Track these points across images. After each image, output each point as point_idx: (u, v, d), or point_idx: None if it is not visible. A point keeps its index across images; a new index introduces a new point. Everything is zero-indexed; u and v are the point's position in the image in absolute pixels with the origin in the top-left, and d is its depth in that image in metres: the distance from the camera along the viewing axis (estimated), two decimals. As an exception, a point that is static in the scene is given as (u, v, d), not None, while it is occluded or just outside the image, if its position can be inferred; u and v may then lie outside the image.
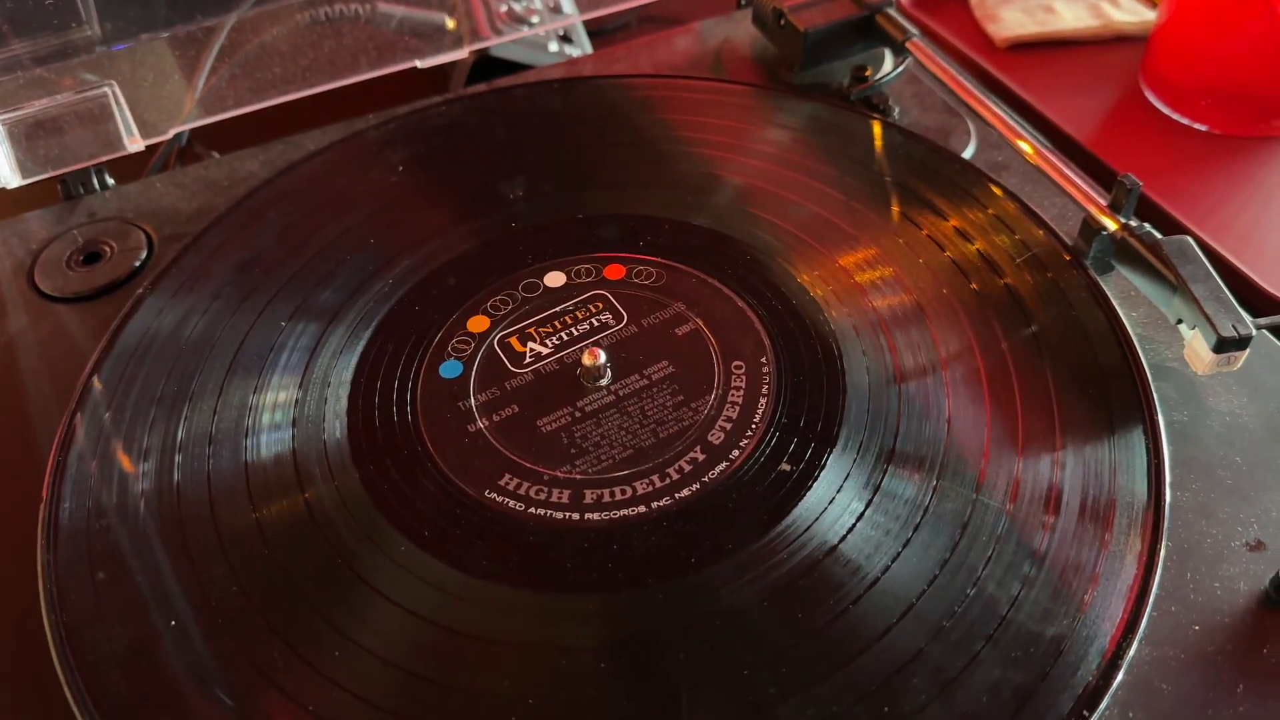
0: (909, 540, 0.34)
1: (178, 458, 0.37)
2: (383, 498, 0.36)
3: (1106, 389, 0.38)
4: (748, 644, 0.32)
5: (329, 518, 0.35)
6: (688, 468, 0.36)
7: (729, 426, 0.38)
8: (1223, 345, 0.36)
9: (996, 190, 0.45)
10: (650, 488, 0.36)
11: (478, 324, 0.42)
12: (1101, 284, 0.41)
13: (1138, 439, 0.37)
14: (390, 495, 0.36)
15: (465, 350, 0.41)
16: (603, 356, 0.39)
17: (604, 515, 0.35)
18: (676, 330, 0.41)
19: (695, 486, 0.36)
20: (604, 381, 0.39)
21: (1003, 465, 0.36)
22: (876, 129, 0.49)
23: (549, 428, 0.38)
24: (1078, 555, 0.34)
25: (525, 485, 0.36)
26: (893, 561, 0.33)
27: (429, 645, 0.32)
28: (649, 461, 0.37)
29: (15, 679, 0.33)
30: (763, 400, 0.38)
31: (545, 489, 0.36)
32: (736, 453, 0.37)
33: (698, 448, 0.37)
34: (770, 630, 0.32)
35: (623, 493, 0.36)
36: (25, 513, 0.36)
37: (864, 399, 0.38)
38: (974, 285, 0.41)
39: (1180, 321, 0.39)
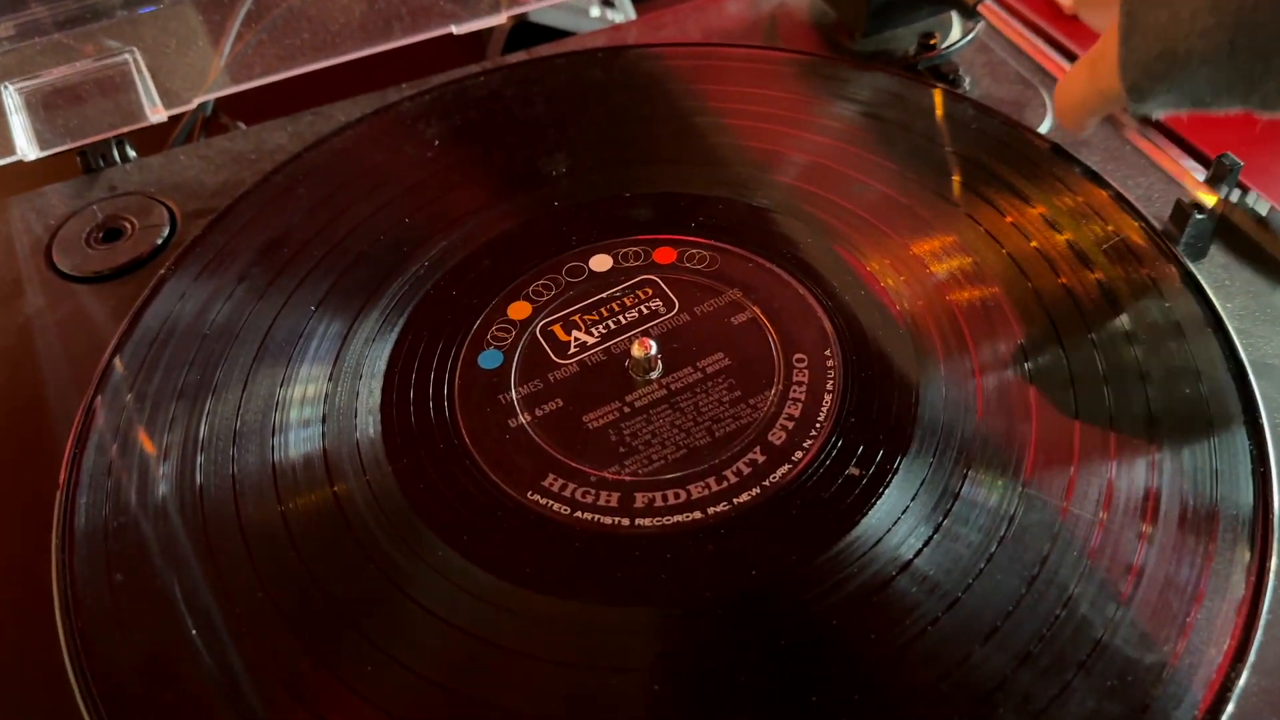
0: (992, 555, 0.31)
1: (200, 457, 0.34)
2: (419, 498, 0.33)
3: (1204, 388, 0.35)
4: (813, 668, 0.29)
5: (361, 519, 0.33)
6: (746, 470, 0.34)
7: (791, 425, 0.35)
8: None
9: (1078, 171, 0.42)
10: (706, 491, 0.33)
11: (519, 310, 0.39)
12: (1196, 273, 0.38)
13: (1240, 442, 0.34)
14: (427, 495, 0.33)
15: (505, 339, 0.38)
16: (654, 347, 0.36)
17: (656, 521, 0.32)
18: (732, 319, 0.38)
19: (755, 491, 0.33)
20: (654, 374, 0.37)
21: (1094, 471, 0.33)
22: (946, 101, 0.46)
23: (596, 424, 0.35)
24: (1178, 571, 0.31)
25: (571, 487, 0.34)
26: (974, 579, 0.30)
27: (467, 659, 0.30)
28: (704, 463, 0.34)
29: (25, 683, 0.31)
30: (828, 397, 0.35)
31: (593, 491, 0.33)
32: (800, 454, 0.34)
33: (757, 448, 0.34)
34: (838, 654, 0.30)
35: (676, 497, 0.33)
36: (40, 505, 0.34)
37: (940, 399, 0.35)
38: (1061, 279, 0.38)
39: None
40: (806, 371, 0.36)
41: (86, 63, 0.48)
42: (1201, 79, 0.33)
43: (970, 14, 0.47)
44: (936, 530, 0.31)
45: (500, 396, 0.36)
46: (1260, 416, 0.34)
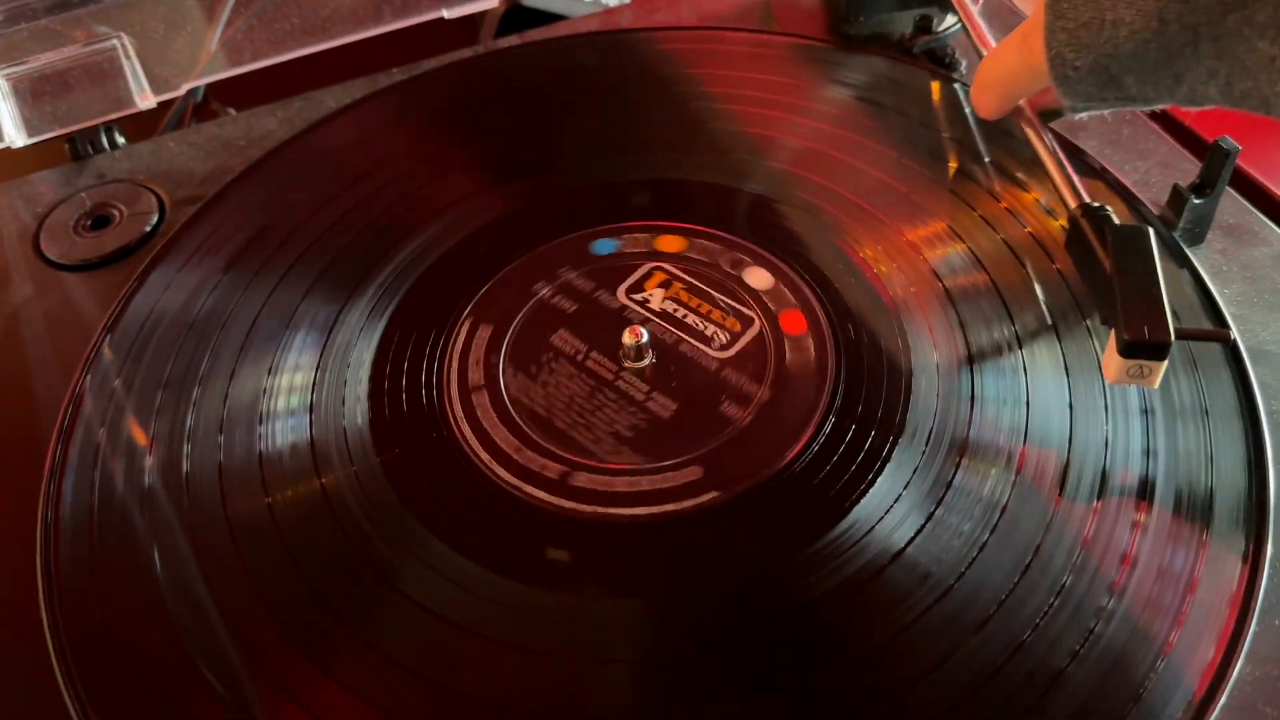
0: (984, 544, 0.31)
1: (186, 447, 0.34)
2: (406, 488, 0.33)
3: (1200, 375, 0.35)
4: (805, 658, 0.29)
5: (347, 509, 0.33)
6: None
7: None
8: (1129, 349, 0.31)
9: (1073, 157, 0.41)
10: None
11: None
12: (1193, 258, 0.38)
13: (1236, 429, 0.33)
14: (414, 486, 0.33)
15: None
16: (644, 335, 0.36)
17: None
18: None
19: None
20: (646, 362, 0.36)
21: (1089, 458, 0.32)
22: (940, 87, 0.45)
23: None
24: (1173, 559, 0.31)
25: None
26: (966, 568, 0.30)
27: (452, 649, 0.30)
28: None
29: (9, 670, 0.31)
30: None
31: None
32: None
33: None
34: (830, 643, 0.29)
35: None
36: (25, 493, 0.34)
37: (932, 386, 0.34)
38: (1056, 264, 0.37)
39: (1105, 322, 0.34)
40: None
41: (75, 48, 0.48)
42: (1128, 55, 0.32)
43: (946, 5, 0.47)
44: (929, 519, 0.31)
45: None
46: (1256, 402, 0.34)
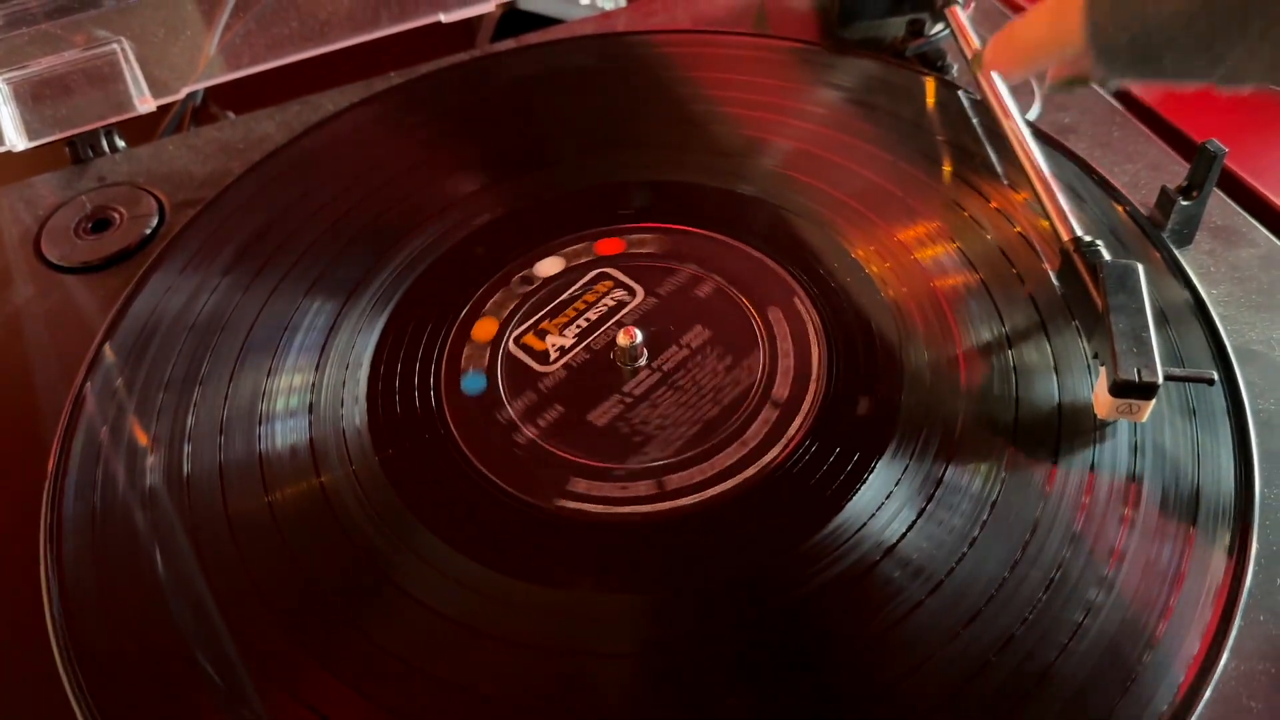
0: (975, 540, 0.31)
1: (187, 447, 0.35)
2: (405, 487, 0.34)
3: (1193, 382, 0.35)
4: (800, 650, 0.29)
5: (346, 508, 0.33)
6: (731, 456, 0.34)
7: (790, 376, 0.35)
8: (1119, 389, 0.32)
9: (1065, 159, 0.42)
10: (733, 458, 0.34)
11: (484, 330, 0.38)
12: (1180, 259, 0.38)
13: (1223, 428, 0.34)
14: (414, 485, 0.34)
15: (482, 361, 0.38)
16: (638, 335, 0.36)
17: (694, 499, 0.33)
18: (697, 292, 0.38)
19: (744, 480, 0.33)
20: (643, 361, 0.37)
21: (1077, 456, 0.33)
22: (930, 88, 0.46)
23: (603, 420, 0.35)
24: (1160, 555, 0.31)
25: (599, 485, 0.34)
26: (957, 563, 0.31)
27: (451, 645, 0.30)
28: (689, 449, 0.34)
29: (13, 671, 0.32)
30: (811, 385, 0.35)
31: (623, 485, 0.33)
32: (785, 439, 0.34)
33: (767, 405, 0.35)
34: (824, 636, 0.30)
35: (703, 473, 0.33)
36: (29, 494, 0.35)
37: (925, 383, 0.35)
38: (1044, 264, 0.38)
39: (1096, 356, 0.35)
40: (785, 324, 0.37)
41: (75, 53, 0.48)
42: (1171, 28, 0.31)
43: (938, 15, 0.47)
44: (920, 514, 0.32)
45: (497, 415, 0.36)
46: (1243, 402, 0.34)
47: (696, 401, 0.35)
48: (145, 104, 0.49)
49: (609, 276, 0.40)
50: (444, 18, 0.53)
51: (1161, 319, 0.36)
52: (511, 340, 0.38)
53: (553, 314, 0.39)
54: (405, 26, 0.52)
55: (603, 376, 0.36)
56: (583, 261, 0.40)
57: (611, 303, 0.39)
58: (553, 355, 0.37)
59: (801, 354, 0.36)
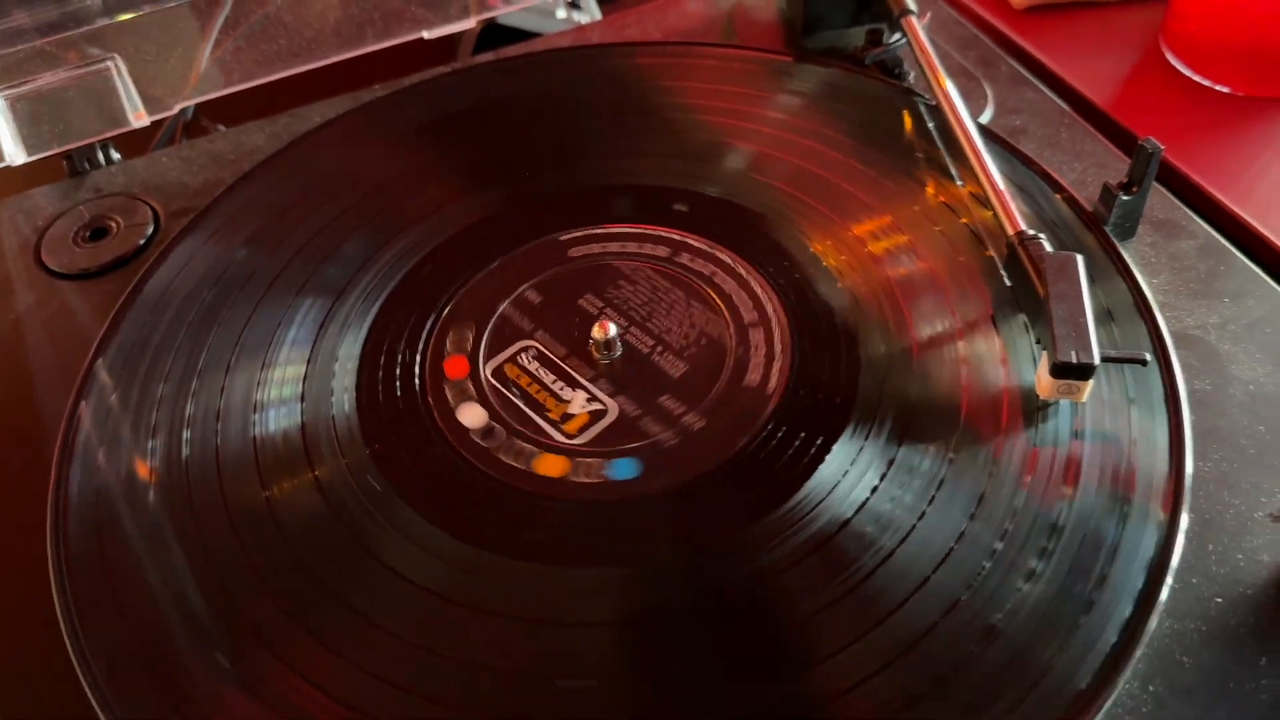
0: (923, 514, 0.33)
1: (186, 433, 0.37)
2: (393, 472, 0.36)
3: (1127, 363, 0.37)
4: (761, 620, 0.32)
5: (338, 494, 0.35)
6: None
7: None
8: (1059, 370, 0.34)
9: (1014, 158, 0.44)
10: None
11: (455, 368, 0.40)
12: (1122, 250, 0.40)
13: (1159, 408, 0.36)
14: (400, 469, 0.36)
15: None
16: (612, 329, 0.38)
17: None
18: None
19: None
20: (615, 354, 0.39)
21: (1020, 436, 0.35)
22: (889, 94, 0.48)
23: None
24: (1097, 528, 0.33)
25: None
26: (906, 536, 0.33)
27: (439, 619, 0.32)
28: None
29: (27, 662, 0.33)
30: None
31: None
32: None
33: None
34: (783, 607, 0.32)
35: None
36: (34, 493, 0.36)
37: (879, 370, 0.37)
38: (988, 252, 0.40)
39: (1038, 341, 0.37)
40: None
41: (70, 69, 0.50)
42: None
43: (895, 26, 0.49)
44: (873, 492, 0.34)
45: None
46: (1177, 383, 0.36)
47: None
48: (139, 119, 0.51)
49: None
50: (427, 34, 0.55)
51: (1104, 307, 0.38)
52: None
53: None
54: (390, 43, 0.55)
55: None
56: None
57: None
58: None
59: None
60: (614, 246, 0.43)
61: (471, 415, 0.37)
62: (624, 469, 0.35)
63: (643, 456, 0.36)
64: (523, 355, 0.39)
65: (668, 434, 0.36)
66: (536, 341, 0.40)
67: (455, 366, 0.39)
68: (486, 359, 0.39)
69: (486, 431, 0.37)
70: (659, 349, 0.39)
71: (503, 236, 0.43)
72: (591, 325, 0.39)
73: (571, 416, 0.37)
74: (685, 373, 0.38)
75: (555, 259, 0.42)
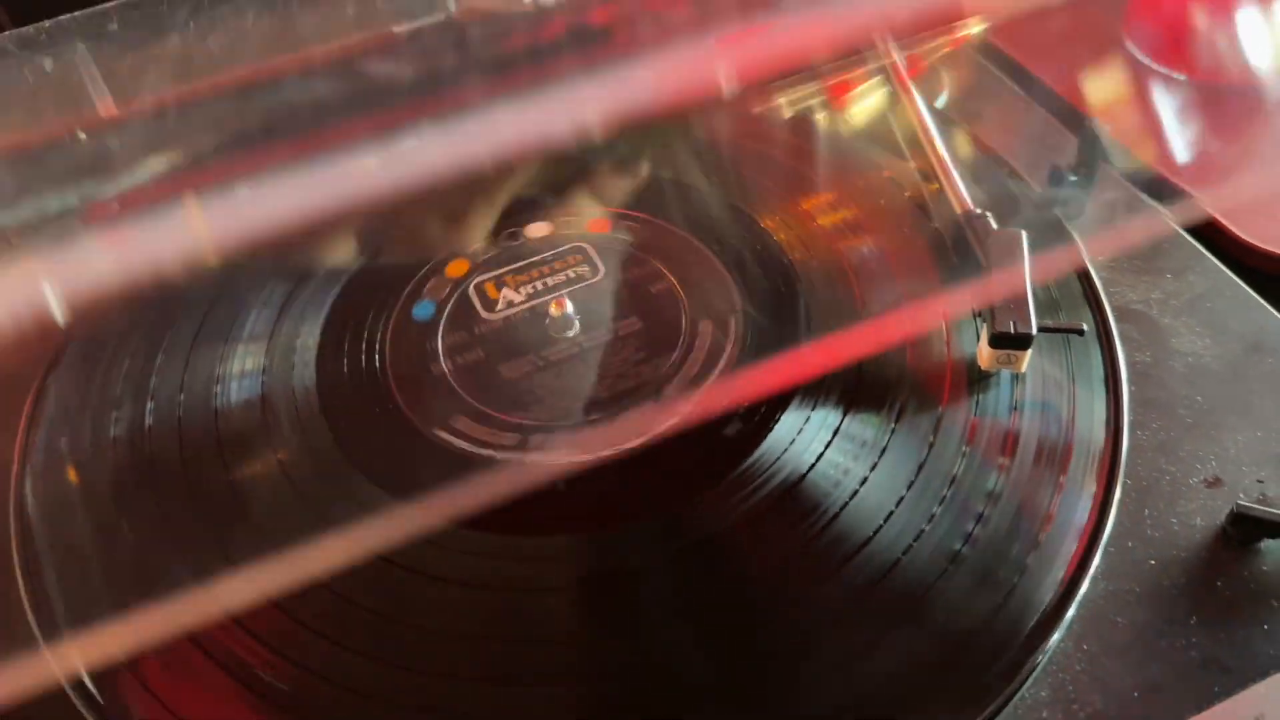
0: (865, 479, 0.34)
1: (150, 404, 0.38)
2: (348, 441, 0.36)
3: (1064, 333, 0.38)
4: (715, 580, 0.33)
5: (298, 464, 0.36)
6: (639, 419, 0.37)
7: (687, 383, 0.38)
8: (996, 340, 0.35)
9: (967, 141, 0.45)
10: (602, 441, 0.36)
11: (456, 268, 0.42)
12: (1070, 229, 0.41)
13: (1098, 379, 0.37)
14: (354, 438, 0.36)
15: (440, 294, 0.41)
16: (569, 306, 0.39)
17: (552, 459, 0.36)
18: (650, 288, 0.41)
19: (646, 439, 0.36)
20: (571, 333, 0.40)
21: (961, 407, 0.36)
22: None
23: (511, 375, 0.38)
24: (1034, 494, 0.34)
25: (477, 429, 0.37)
26: (850, 498, 0.34)
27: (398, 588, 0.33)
28: (601, 413, 0.37)
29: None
30: (724, 357, 0.39)
31: (498, 433, 0.36)
32: (691, 408, 0.37)
33: (651, 402, 0.37)
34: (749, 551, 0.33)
35: (571, 443, 0.36)
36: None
37: (829, 342, 0.38)
38: (935, 224, 0.41)
39: (979, 315, 0.38)
40: (709, 337, 0.39)
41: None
42: None
43: None
44: (818, 459, 0.35)
45: (427, 344, 0.39)
46: (1118, 355, 0.37)
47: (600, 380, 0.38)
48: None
49: (583, 252, 0.43)
50: (396, 29, 0.56)
51: (1048, 282, 0.39)
52: (473, 283, 0.41)
53: (520, 270, 0.42)
54: (363, 36, 0.55)
55: (531, 337, 0.40)
56: (568, 233, 0.44)
57: (572, 275, 0.42)
58: (499, 306, 0.41)
59: (708, 365, 0.39)
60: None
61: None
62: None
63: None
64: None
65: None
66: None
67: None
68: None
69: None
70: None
71: (462, 220, 0.44)
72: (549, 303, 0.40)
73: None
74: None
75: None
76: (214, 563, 0.34)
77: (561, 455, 0.36)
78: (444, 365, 0.39)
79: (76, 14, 0.48)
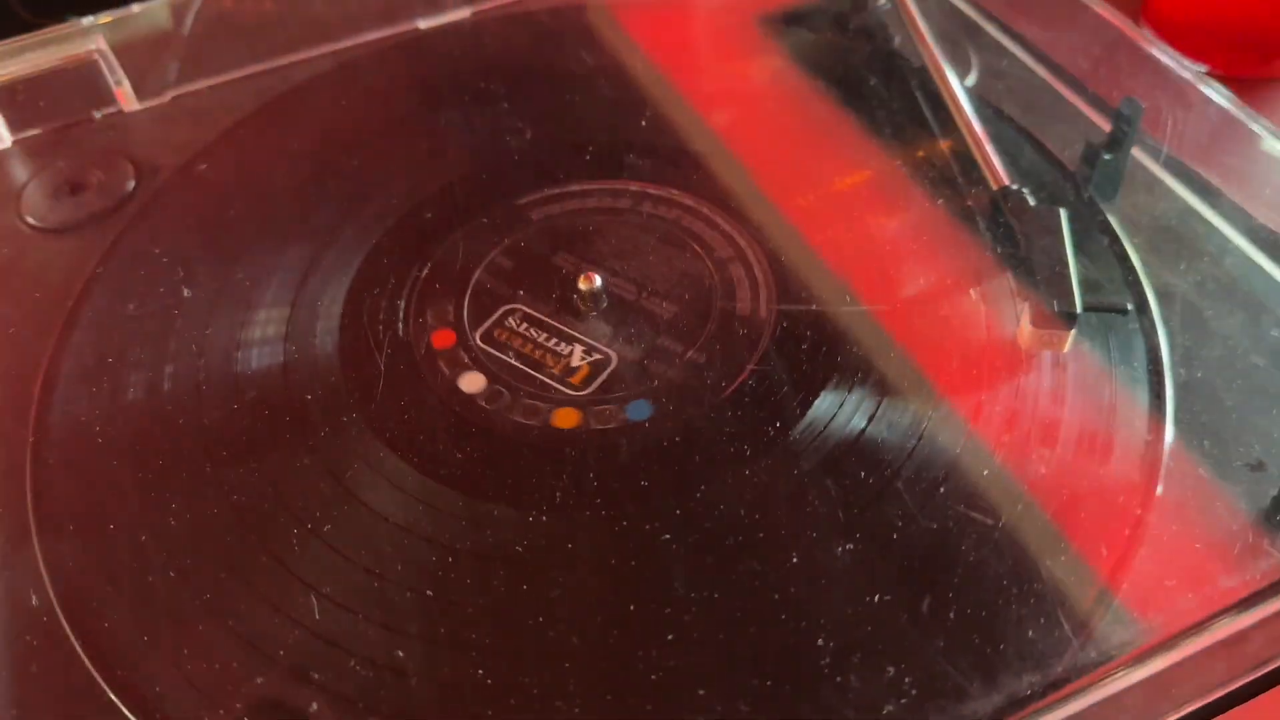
0: (899, 469, 0.33)
1: (169, 368, 0.37)
2: (367, 408, 0.35)
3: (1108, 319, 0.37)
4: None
5: (316, 428, 0.35)
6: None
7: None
8: (1040, 319, 0.35)
9: (996, 119, 0.45)
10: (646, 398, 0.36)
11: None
12: (1104, 209, 0.41)
13: (1140, 362, 0.36)
14: (376, 406, 0.36)
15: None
16: (598, 280, 0.38)
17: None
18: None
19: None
20: (601, 307, 0.39)
21: (1000, 388, 0.35)
22: (875, 57, 0.48)
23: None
24: (1074, 485, 0.33)
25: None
26: (884, 489, 0.33)
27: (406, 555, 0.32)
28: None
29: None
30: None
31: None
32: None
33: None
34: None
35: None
36: (14, 444, 0.36)
37: (865, 324, 0.37)
38: (969, 202, 0.41)
39: (1021, 294, 0.37)
40: (744, 280, 0.39)
41: (55, 55, 0.49)
42: None
43: None
44: (859, 436, 0.34)
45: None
46: (1159, 345, 0.37)
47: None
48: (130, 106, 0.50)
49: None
50: (422, 24, 0.54)
51: (1086, 262, 0.39)
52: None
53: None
54: (385, 33, 0.54)
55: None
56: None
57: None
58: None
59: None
60: (573, 205, 0.43)
61: (471, 382, 0.37)
62: (639, 410, 0.35)
63: (652, 398, 0.36)
64: (510, 319, 0.39)
65: (674, 371, 0.36)
66: (521, 304, 0.39)
67: (442, 339, 0.38)
68: (473, 328, 0.39)
69: (492, 395, 0.36)
70: (645, 294, 0.39)
71: (456, 209, 0.43)
72: (573, 281, 0.39)
73: (575, 370, 0.37)
74: (676, 313, 0.38)
75: (517, 223, 0.42)
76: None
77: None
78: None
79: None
